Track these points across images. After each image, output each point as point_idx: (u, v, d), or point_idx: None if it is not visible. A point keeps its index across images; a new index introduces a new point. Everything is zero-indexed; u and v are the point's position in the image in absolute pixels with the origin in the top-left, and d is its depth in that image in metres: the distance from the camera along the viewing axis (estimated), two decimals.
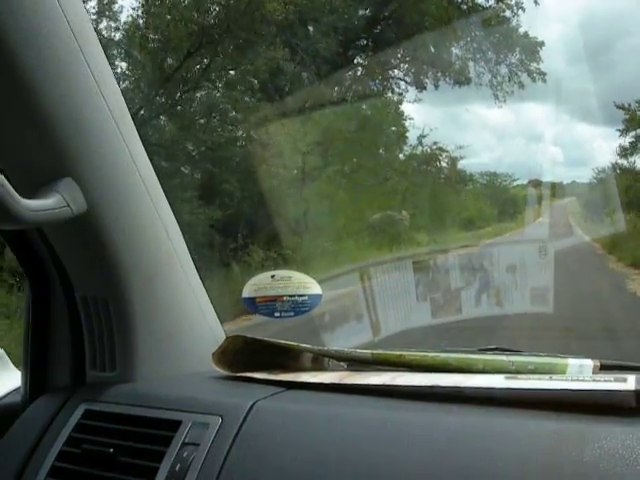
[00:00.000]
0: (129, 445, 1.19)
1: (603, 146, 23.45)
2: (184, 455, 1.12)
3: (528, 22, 15.39)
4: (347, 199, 14.63)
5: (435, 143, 16.11)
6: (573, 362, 1.18)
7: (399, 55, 16.06)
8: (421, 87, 16.02)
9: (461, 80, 15.98)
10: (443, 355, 1.25)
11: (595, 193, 16.88)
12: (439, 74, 15.96)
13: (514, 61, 16.13)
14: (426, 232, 15.89)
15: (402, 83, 15.93)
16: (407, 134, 16.33)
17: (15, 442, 1.33)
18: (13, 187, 0.97)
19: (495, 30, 15.70)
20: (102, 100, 1.14)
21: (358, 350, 1.32)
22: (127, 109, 1.23)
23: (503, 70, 16.15)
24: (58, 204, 1.08)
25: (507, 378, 1.09)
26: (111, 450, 1.18)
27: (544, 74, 15.57)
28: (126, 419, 1.24)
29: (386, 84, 15.98)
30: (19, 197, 0.98)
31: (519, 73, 16.06)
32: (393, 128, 16.42)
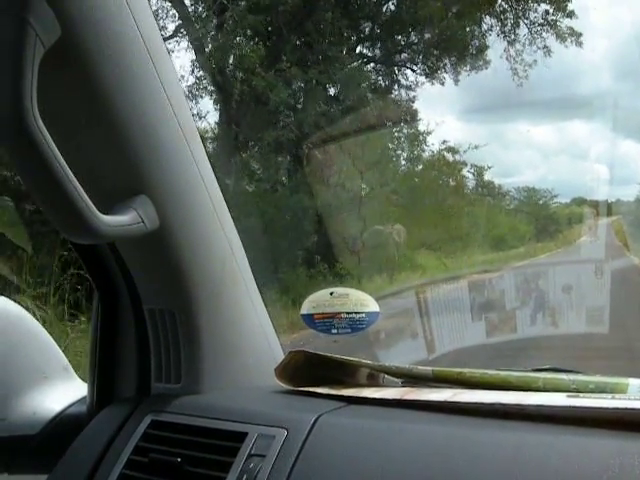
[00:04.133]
0: (196, 455, 1.21)
1: None
2: (250, 466, 1.14)
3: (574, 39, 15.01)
4: (400, 218, 14.40)
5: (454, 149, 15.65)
6: (634, 382, 1.17)
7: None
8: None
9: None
10: (503, 373, 1.25)
11: None
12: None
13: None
14: (435, 253, 15.23)
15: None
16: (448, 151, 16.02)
17: (84, 450, 1.37)
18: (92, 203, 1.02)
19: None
20: (174, 119, 1.18)
21: (419, 367, 1.33)
22: (196, 127, 1.27)
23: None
24: (134, 220, 1.12)
25: (569, 396, 1.10)
26: (179, 460, 1.21)
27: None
28: (192, 430, 1.27)
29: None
30: (99, 213, 1.02)
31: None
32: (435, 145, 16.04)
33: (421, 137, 15.92)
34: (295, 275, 11.99)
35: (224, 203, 1.36)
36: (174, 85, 1.18)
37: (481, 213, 17.16)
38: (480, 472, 0.99)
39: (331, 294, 1.57)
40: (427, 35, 15.57)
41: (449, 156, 15.95)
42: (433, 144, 15.99)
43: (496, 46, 15.16)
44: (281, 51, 13.93)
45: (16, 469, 1.56)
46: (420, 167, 16.89)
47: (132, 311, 1.42)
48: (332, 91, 14.67)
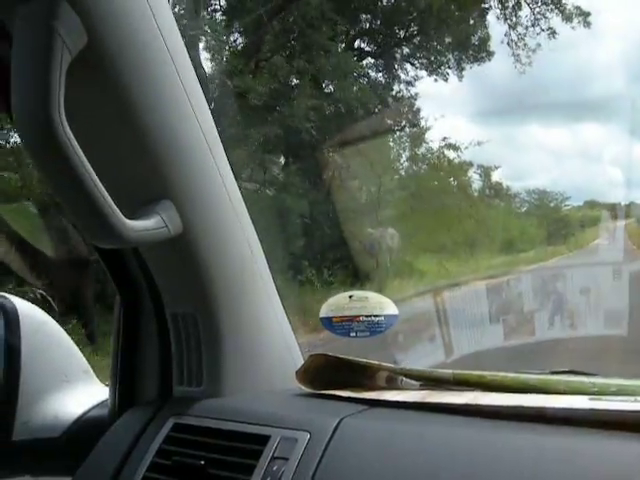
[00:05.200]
0: (219, 458, 1.22)
1: None
2: (274, 469, 1.15)
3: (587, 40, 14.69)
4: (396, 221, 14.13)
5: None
6: None
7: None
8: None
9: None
10: (523, 376, 1.25)
11: None
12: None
13: None
14: (436, 258, 14.68)
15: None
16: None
17: (107, 452, 1.38)
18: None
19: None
20: (197, 124, 1.20)
21: (439, 370, 1.34)
22: (217, 133, 1.28)
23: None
24: (158, 225, 1.13)
25: (591, 399, 1.10)
26: (202, 462, 1.22)
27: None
28: (215, 433, 1.28)
29: None
30: (124, 218, 1.03)
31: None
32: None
33: (422, 136, 15.68)
34: (280, 282, 11.73)
35: (244, 206, 1.37)
36: (196, 90, 1.19)
37: (488, 216, 16.84)
38: (502, 475, 0.99)
39: (350, 297, 1.58)
40: (428, 27, 15.14)
41: (453, 155, 15.65)
42: (432, 141, 15.71)
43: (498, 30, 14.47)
44: (261, 39, 13.55)
45: (39, 472, 1.58)
46: (421, 166, 16.59)
47: (154, 315, 1.44)
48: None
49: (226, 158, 1.30)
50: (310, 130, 12.72)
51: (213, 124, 1.26)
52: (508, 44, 15.15)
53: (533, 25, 14.96)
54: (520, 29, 15.09)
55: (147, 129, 1.11)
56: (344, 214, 12.52)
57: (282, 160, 14.12)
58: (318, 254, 12.43)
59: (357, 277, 11.92)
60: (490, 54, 15.47)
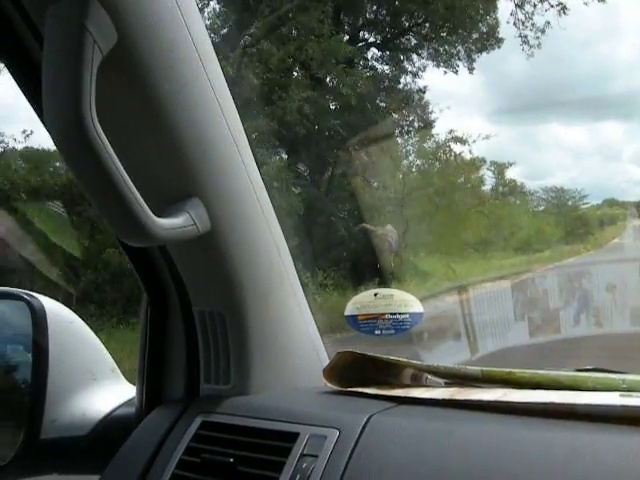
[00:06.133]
0: (248, 455, 1.22)
1: None
2: (303, 466, 1.15)
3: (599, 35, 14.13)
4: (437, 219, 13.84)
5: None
6: None
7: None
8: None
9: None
10: (553, 373, 1.25)
11: None
12: None
13: None
14: (444, 258, 14.30)
15: None
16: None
17: (136, 450, 1.39)
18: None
19: None
20: (224, 122, 1.20)
21: (467, 367, 1.33)
22: (243, 130, 1.28)
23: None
24: (186, 223, 1.14)
25: (622, 396, 1.09)
26: (231, 460, 1.23)
27: None
28: (243, 430, 1.28)
29: None
30: (154, 216, 1.03)
31: None
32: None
33: (429, 131, 15.35)
34: None
35: (271, 204, 1.37)
36: (224, 89, 1.20)
37: (501, 214, 16.54)
38: (534, 472, 0.99)
39: (375, 295, 1.58)
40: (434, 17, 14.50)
41: (463, 150, 15.28)
42: (438, 134, 15.41)
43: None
44: (248, 23, 13.16)
45: (66, 469, 1.59)
46: (429, 162, 16.31)
47: (181, 313, 1.44)
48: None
49: (252, 154, 1.30)
50: (305, 124, 12.48)
51: (239, 120, 1.26)
52: (514, 24, 14.40)
53: (542, 0, 14.12)
54: (528, 7, 14.32)
55: (176, 126, 1.11)
56: (358, 212, 12.35)
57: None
58: (312, 256, 12.26)
59: (353, 279, 11.75)
60: (499, 41, 14.81)
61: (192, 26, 1.10)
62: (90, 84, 0.91)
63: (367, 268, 12.54)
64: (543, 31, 14.32)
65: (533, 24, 14.42)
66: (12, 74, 1.16)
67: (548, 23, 14.17)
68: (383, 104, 15.08)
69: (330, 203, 13.23)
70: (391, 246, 12.84)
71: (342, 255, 12.25)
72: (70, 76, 0.91)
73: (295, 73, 13.49)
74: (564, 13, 14.14)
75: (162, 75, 1.06)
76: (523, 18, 14.43)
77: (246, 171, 1.27)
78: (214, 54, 1.18)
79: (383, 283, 11.94)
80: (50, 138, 0.96)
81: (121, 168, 0.97)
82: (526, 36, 14.43)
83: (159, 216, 1.06)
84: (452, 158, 15.59)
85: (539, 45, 14.46)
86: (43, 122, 1.09)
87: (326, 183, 13.75)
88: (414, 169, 16.36)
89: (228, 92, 1.22)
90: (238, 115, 1.26)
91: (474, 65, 15.11)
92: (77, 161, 0.97)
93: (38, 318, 1.55)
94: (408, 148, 16.03)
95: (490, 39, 14.88)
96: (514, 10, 14.48)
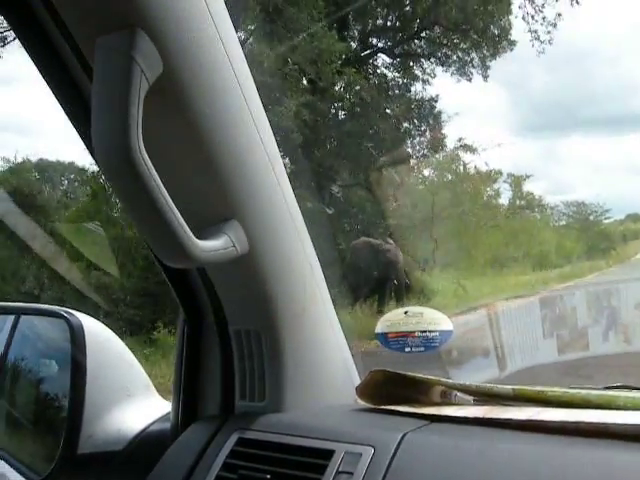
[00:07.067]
0: (284, 472, 1.25)
1: None
2: None
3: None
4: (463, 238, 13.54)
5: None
6: None
7: None
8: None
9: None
10: (583, 392, 1.26)
11: None
12: None
13: None
14: (455, 275, 13.88)
15: None
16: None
17: (173, 465, 1.42)
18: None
19: None
20: (262, 146, 1.23)
21: (498, 386, 1.34)
22: (278, 152, 1.31)
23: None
24: (226, 245, 1.17)
25: None
26: (268, 476, 1.25)
27: None
28: (279, 447, 1.30)
29: None
30: (195, 239, 1.06)
31: None
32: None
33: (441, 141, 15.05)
34: None
35: (304, 224, 1.40)
36: (260, 112, 1.23)
37: (519, 228, 16.19)
38: None
39: (405, 313, 1.59)
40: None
41: (474, 160, 14.99)
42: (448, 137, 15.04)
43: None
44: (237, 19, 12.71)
45: None
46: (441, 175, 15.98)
47: (217, 331, 1.47)
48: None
49: (286, 175, 1.33)
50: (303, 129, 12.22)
51: (274, 142, 1.29)
52: (523, 18, 13.88)
53: None
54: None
55: (217, 151, 1.14)
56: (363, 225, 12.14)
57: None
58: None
59: (351, 297, 11.58)
60: (512, 43, 14.24)
61: (231, 52, 1.13)
62: (137, 112, 0.95)
63: (366, 283, 12.26)
64: (554, 25, 13.93)
65: (544, 17, 14.00)
66: (60, 103, 1.20)
67: (559, 15, 13.76)
68: (389, 110, 14.79)
69: (331, 216, 13.00)
70: (396, 260, 12.66)
71: (338, 270, 11.93)
72: (119, 106, 0.94)
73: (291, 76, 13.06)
74: (577, 3, 13.73)
75: (203, 101, 1.09)
76: (533, 12, 13.99)
77: (282, 192, 1.30)
78: (251, 78, 1.21)
79: (382, 298, 11.87)
80: (95, 163, 1.00)
81: (165, 193, 1.00)
82: (536, 31, 14.03)
83: (199, 238, 1.09)
84: (471, 171, 15.42)
85: (550, 41, 14.03)
86: (88, 147, 1.13)
87: (328, 195, 13.54)
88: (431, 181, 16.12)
89: (265, 115, 1.25)
90: (273, 136, 1.28)
91: (495, 78, 14.84)
92: (124, 188, 1.00)
93: (76, 335, 1.58)
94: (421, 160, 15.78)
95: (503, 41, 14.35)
96: (523, 3, 14.02)
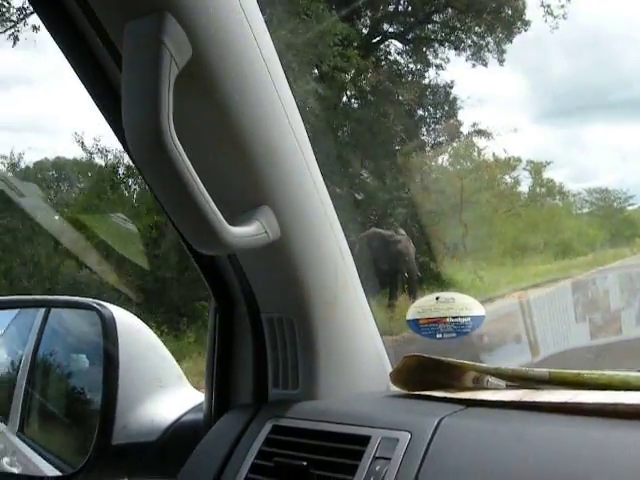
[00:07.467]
0: (320, 459, 1.24)
1: None
2: (376, 469, 1.15)
3: None
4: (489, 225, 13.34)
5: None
6: None
7: None
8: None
9: None
10: (622, 374, 1.24)
11: None
12: None
13: None
14: (472, 264, 13.63)
15: None
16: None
17: (208, 454, 1.42)
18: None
19: None
20: (292, 133, 1.22)
21: (534, 369, 1.33)
22: (308, 139, 1.31)
23: None
24: (258, 231, 1.16)
25: None
26: (304, 463, 1.24)
27: None
28: (314, 434, 1.30)
29: None
30: (227, 225, 1.06)
31: None
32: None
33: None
34: None
35: (334, 211, 1.39)
36: (290, 100, 1.22)
37: (539, 216, 16.01)
38: (609, 473, 0.98)
39: (437, 299, 1.58)
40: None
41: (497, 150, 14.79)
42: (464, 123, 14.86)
43: None
44: None
45: (136, 474, 1.62)
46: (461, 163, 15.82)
47: (249, 319, 1.46)
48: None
49: (315, 161, 1.32)
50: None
51: (303, 127, 1.28)
52: None
53: None
54: None
55: (247, 136, 1.14)
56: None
57: None
58: None
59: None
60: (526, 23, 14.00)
61: (259, 37, 1.12)
62: (168, 98, 0.94)
63: (376, 275, 11.88)
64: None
65: None
66: (88, 90, 1.20)
67: None
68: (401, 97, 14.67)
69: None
70: (408, 251, 12.44)
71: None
72: (149, 91, 0.94)
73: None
74: None
75: (233, 86, 1.08)
76: None
77: (312, 178, 1.29)
78: (280, 65, 1.20)
79: (393, 291, 11.76)
80: (125, 150, 0.99)
81: (197, 179, 0.99)
82: (549, 5, 13.75)
83: (231, 225, 1.09)
84: (495, 160, 15.27)
85: (564, 15, 13.70)
86: (118, 136, 1.12)
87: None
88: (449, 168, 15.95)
89: (294, 102, 1.24)
90: (302, 123, 1.27)
91: (517, 67, 14.70)
92: (156, 173, 1.00)
93: (108, 327, 1.59)
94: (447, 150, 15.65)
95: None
96: None
